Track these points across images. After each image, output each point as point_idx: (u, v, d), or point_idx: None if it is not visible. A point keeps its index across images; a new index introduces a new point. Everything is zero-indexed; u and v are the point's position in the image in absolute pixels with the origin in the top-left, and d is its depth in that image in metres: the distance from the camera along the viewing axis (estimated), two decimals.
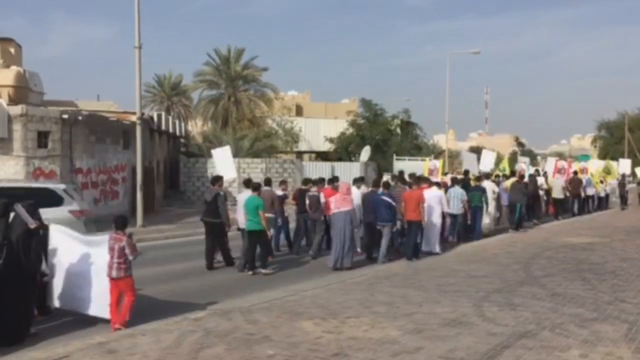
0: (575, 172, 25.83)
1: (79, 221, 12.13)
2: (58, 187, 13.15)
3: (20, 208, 7.90)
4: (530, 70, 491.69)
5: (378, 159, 36.60)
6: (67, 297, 8.44)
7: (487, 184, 17.45)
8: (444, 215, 14.32)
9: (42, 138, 17.35)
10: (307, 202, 13.98)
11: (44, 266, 8.21)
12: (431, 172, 23.92)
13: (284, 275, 11.67)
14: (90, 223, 12.77)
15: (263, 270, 11.76)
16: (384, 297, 8.93)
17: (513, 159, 40.90)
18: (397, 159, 33.79)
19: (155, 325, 7.61)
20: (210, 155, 30.57)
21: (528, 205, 19.37)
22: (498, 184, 18.61)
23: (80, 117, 18.54)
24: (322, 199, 13.63)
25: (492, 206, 17.43)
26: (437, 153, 47.86)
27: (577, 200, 24.27)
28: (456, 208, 15.27)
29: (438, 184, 15.19)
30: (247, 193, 12.42)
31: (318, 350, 6.35)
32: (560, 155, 61.05)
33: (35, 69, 22.66)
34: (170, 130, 28.65)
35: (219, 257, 12.65)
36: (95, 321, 8.18)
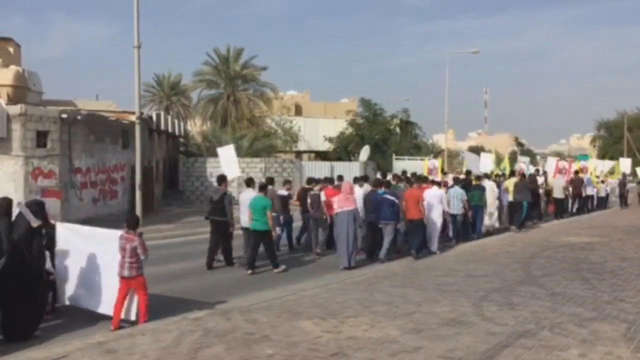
0: (577, 172, 25.88)
1: None
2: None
3: (23, 207, 7.93)
4: (529, 70, 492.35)
5: (377, 159, 36.63)
6: (77, 295, 8.54)
7: (488, 184, 17.49)
8: (444, 215, 14.35)
9: (41, 138, 17.33)
10: (309, 201, 14.05)
11: (48, 265, 8.26)
12: (430, 171, 23.98)
13: (284, 274, 11.67)
14: None
15: (275, 270, 11.78)
16: (383, 297, 8.93)
17: (512, 159, 40.92)
18: (396, 159, 33.82)
19: (155, 324, 7.62)
20: (209, 155, 30.72)
21: (530, 204, 19.40)
22: (499, 183, 18.63)
23: (79, 117, 18.52)
24: (323, 198, 13.67)
25: (493, 206, 17.48)
26: (437, 153, 47.88)
27: (578, 200, 24.31)
28: (456, 208, 15.30)
29: (439, 184, 15.25)
30: (249, 192, 12.48)
31: (317, 349, 6.35)
32: (560, 155, 61.12)
33: (35, 69, 22.65)
34: (170, 129, 28.62)
35: (218, 257, 12.67)
36: (94, 321, 8.19)
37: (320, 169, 29.98)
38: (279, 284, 10.54)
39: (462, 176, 19.62)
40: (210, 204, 12.93)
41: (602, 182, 28.44)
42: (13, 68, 20.86)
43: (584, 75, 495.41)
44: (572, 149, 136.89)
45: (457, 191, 15.53)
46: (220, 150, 18.11)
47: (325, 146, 42.94)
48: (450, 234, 15.46)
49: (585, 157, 34.53)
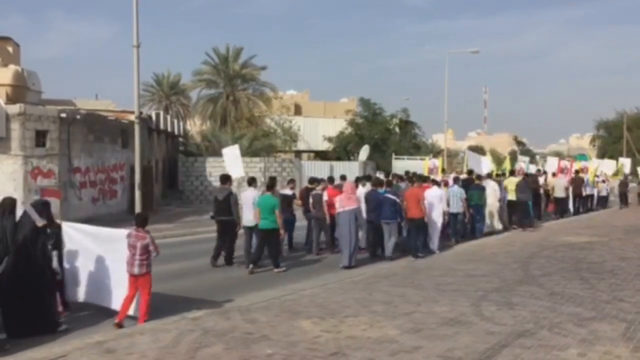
0: (577, 172, 25.93)
1: None
2: None
3: (29, 207, 7.99)
4: (529, 70, 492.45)
5: (377, 159, 36.62)
6: (90, 292, 8.64)
7: (490, 184, 17.55)
8: (444, 214, 14.40)
9: (40, 137, 17.32)
10: (311, 200, 14.09)
11: (55, 264, 8.31)
12: (431, 170, 24.06)
13: (283, 274, 11.66)
14: None
15: (275, 270, 11.80)
16: (383, 297, 8.93)
17: (512, 159, 40.90)
18: (395, 158, 33.82)
19: (154, 324, 7.61)
20: (208, 154, 30.74)
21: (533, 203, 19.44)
22: (499, 183, 18.67)
23: (78, 116, 18.52)
24: (325, 197, 13.71)
25: (495, 206, 17.52)
26: (436, 152, 47.85)
27: (578, 200, 24.35)
28: (456, 207, 15.34)
29: (438, 183, 15.28)
30: (251, 191, 12.51)
31: (316, 349, 6.35)
32: (559, 155, 61.06)
33: (34, 68, 22.65)
34: (169, 129, 28.62)
35: (220, 259, 12.66)
36: (94, 320, 8.20)
37: (319, 169, 29.98)
38: (278, 284, 10.54)
39: (462, 175, 19.65)
40: (215, 203, 12.89)
41: (603, 181, 28.44)
42: (12, 67, 20.86)
43: (583, 75, 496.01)
44: (572, 148, 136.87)
45: (457, 190, 15.58)
46: (225, 150, 18.15)
47: (325, 146, 42.93)
48: (450, 233, 15.48)
49: (583, 157, 34.54)
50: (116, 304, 8.23)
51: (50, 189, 16.99)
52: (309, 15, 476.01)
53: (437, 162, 26.50)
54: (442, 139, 53.84)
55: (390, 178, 15.68)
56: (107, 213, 19.64)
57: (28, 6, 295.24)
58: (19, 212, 8.10)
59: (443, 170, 25.18)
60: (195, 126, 49.18)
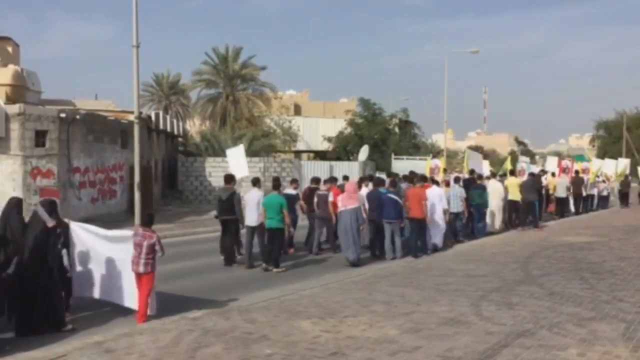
0: (577, 172, 25.95)
1: None
2: None
3: (39, 208, 8.02)
4: (528, 70, 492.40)
5: (376, 159, 36.61)
6: (104, 289, 8.74)
7: (494, 184, 17.60)
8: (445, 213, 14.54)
9: (39, 137, 17.30)
10: (315, 200, 14.18)
11: (65, 262, 8.41)
12: (433, 171, 24.10)
13: (283, 274, 11.67)
14: None
15: (275, 269, 11.86)
16: (382, 297, 8.93)
17: (513, 159, 40.86)
18: (395, 159, 33.83)
19: (153, 324, 7.62)
20: (208, 154, 30.73)
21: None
22: (502, 183, 18.76)
23: (78, 116, 18.50)
24: (331, 198, 13.80)
25: (497, 206, 17.57)
26: (436, 152, 47.83)
27: (578, 200, 24.39)
28: (457, 206, 15.39)
29: (437, 183, 15.35)
30: (255, 191, 12.57)
31: (316, 349, 6.35)
32: (559, 155, 61.07)
33: (33, 68, 22.64)
34: (169, 129, 28.59)
35: (241, 251, 12.85)
36: (94, 320, 8.20)
37: (319, 169, 29.95)
38: (278, 284, 10.54)
39: (461, 175, 19.69)
40: (219, 203, 13.03)
41: (603, 181, 28.43)
42: (12, 67, 20.84)
43: (583, 75, 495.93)
44: (571, 149, 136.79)
45: (458, 190, 15.66)
46: (229, 151, 18.23)
47: (324, 146, 42.92)
48: (451, 232, 15.55)
49: (582, 157, 34.50)
50: (129, 302, 8.35)
51: (48, 189, 17.01)
52: (309, 15, 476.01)
53: (439, 162, 26.50)
54: (441, 139, 53.82)
55: (394, 178, 15.70)
56: (107, 213, 19.63)
57: (28, 6, 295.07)
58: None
59: (444, 171, 25.21)
60: (194, 126, 49.17)
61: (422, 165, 29.08)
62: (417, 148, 44.79)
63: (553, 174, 24.89)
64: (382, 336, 6.81)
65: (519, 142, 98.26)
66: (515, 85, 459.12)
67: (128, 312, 8.38)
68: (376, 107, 42.01)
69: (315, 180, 15.33)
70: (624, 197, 28.75)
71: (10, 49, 24.24)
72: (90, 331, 7.58)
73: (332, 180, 15.16)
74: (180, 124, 35.46)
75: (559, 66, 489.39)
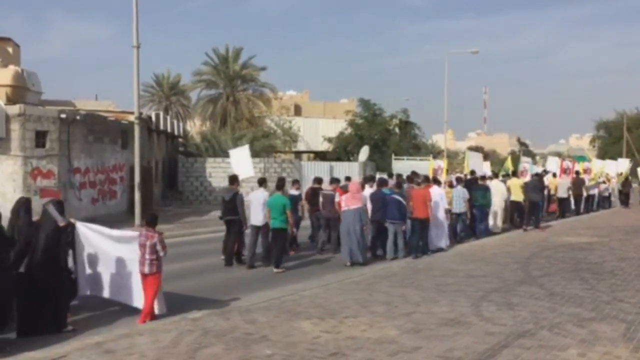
0: (577, 172, 25.96)
1: None
2: None
3: (51, 207, 8.04)
4: (529, 70, 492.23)
5: (377, 159, 36.60)
6: (113, 289, 8.79)
7: (497, 185, 17.62)
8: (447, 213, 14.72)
9: (40, 138, 17.31)
10: (321, 200, 14.25)
11: (70, 263, 8.44)
12: (436, 171, 24.17)
13: (283, 274, 11.67)
14: None
15: (275, 269, 11.92)
16: (383, 297, 8.93)
17: (513, 159, 40.82)
18: (395, 159, 33.79)
19: (153, 324, 7.63)
20: (208, 155, 30.72)
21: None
22: (504, 183, 18.81)
23: (78, 117, 18.50)
24: (337, 198, 13.86)
25: (500, 206, 17.61)
26: (436, 153, 47.82)
27: (579, 200, 24.41)
28: (459, 207, 15.44)
29: (439, 183, 15.43)
30: (261, 192, 12.63)
31: (316, 349, 6.35)
32: (559, 155, 61.07)
33: (34, 69, 22.65)
34: (169, 130, 28.59)
35: (243, 252, 12.88)
36: (93, 321, 8.20)
37: (319, 169, 29.93)
38: (278, 284, 10.54)
39: (462, 175, 19.73)
40: (222, 204, 13.07)
41: (604, 182, 28.42)
42: (12, 68, 20.83)
43: (583, 75, 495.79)
44: (571, 149, 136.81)
45: (460, 191, 15.73)
46: (232, 152, 18.27)
47: (325, 146, 42.91)
48: (454, 232, 15.63)
49: (583, 157, 34.44)
50: (138, 302, 8.39)
51: (49, 190, 17.01)
52: (309, 15, 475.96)
53: (442, 163, 26.55)
54: (442, 140, 53.80)
55: (399, 179, 15.75)
56: (107, 214, 19.63)
57: (28, 6, 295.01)
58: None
59: (447, 171, 25.30)
60: (195, 127, 49.19)
61: (422, 165, 29.10)
62: (417, 148, 44.75)
63: (554, 175, 24.92)
64: (382, 337, 6.81)
65: (522, 143, 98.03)
66: (515, 86, 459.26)
67: (130, 312, 8.40)
68: (376, 107, 42.04)
69: (318, 180, 15.42)
70: (624, 197, 28.75)
71: (10, 49, 24.24)
72: (90, 332, 7.59)
73: (335, 180, 15.26)
74: (181, 124, 35.46)
75: (559, 66, 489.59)
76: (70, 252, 8.47)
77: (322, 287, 9.95)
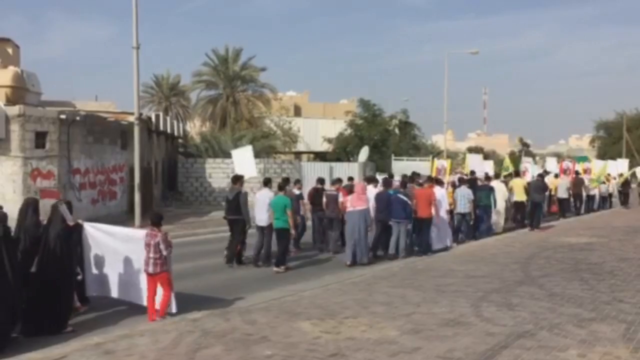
0: (577, 172, 25.98)
1: None
2: None
3: (63, 206, 8.09)
4: (528, 70, 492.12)
5: (376, 160, 36.59)
6: (121, 289, 8.84)
7: (498, 185, 17.68)
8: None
9: (39, 138, 17.29)
10: (325, 200, 14.33)
11: (77, 266, 8.45)
12: (439, 171, 24.20)
13: (282, 275, 11.67)
14: None
15: (275, 268, 11.98)
16: (382, 298, 8.93)
17: (513, 160, 40.81)
18: (395, 159, 33.77)
19: (153, 325, 7.63)
20: (208, 156, 30.72)
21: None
22: (506, 184, 18.84)
23: (78, 118, 18.49)
24: (340, 198, 13.92)
25: (502, 206, 17.66)
26: (436, 153, 47.85)
27: (578, 200, 24.45)
28: (464, 207, 15.48)
29: (441, 183, 15.51)
30: (266, 191, 12.68)
31: (316, 350, 6.35)
32: (559, 156, 61.02)
33: (33, 69, 22.68)
34: (169, 130, 28.58)
35: (243, 253, 12.92)
36: (92, 321, 8.19)
37: (319, 170, 29.92)
38: (278, 285, 10.54)
39: (462, 175, 19.77)
40: (226, 203, 13.17)
41: (604, 182, 28.43)
42: (12, 69, 20.84)
43: (582, 76, 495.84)
44: (571, 149, 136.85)
45: (465, 191, 15.75)
46: (234, 152, 18.31)
47: (325, 147, 42.92)
48: (458, 232, 15.76)
49: (584, 158, 34.45)
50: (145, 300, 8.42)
51: (49, 190, 17.00)
52: (309, 16, 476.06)
53: (446, 163, 26.56)
54: (441, 140, 53.83)
55: (404, 180, 15.82)
56: (107, 214, 19.61)
57: (28, 6, 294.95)
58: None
59: (450, 172, 25.30)
60: (194, 127, 49.15)
61: (422, 166, 29.09)
62: (417, 149, 44.75)
63: (556, 175, 24.97)
64: (382, 337, 6.81)
65: (524, 143, 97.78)
66: (515, 86, 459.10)
67: (135, 313, 8.42)
68: (376, 108, 42.00)
69: (321, 180, 15.55)
70: (624, 197, 28.76)
71: (10, 50, 24.26)
72: (94, 332, 7.58)
73: (338, 181, 15.35)
74: (180, 125, 35.44)
75: (559, 67, 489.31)
76: (77, 251, 8.55)
77: (322, 287, 9.95)
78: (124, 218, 19.38)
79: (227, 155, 30.23)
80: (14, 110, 17.04)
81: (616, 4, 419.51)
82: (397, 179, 15.85)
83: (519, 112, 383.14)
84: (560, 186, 22.98)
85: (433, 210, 13.64)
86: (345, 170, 28.79)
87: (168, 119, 30.39)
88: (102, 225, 9.47)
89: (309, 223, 15.18)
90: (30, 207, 8.33)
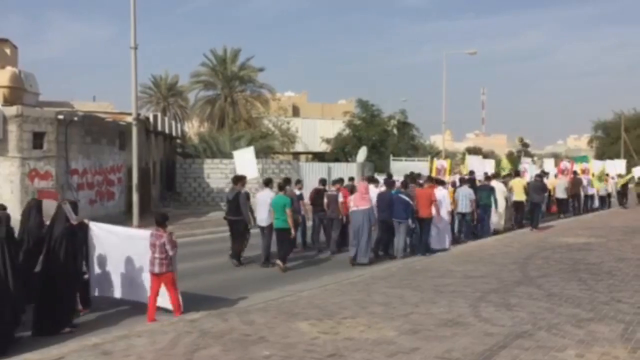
0: (575, 173, 26.01)
1: None
2: None
3: (67, 206, 8.11)
4: (527, 71, 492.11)
5: (375, 160, 36.60)
6: (125, 289, 8.86)
7: (496, 184, 17.72)
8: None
9: (37, 139, 17.27)
10: (326, 201, 14.39)
11: (83, 265, 8.50)
12: (439, 171, 24.23)
13: (282, 275, 11.66)
14: None
15: (278, 261, 12.07)
16: (381, 298, 8.92)
17: (511, 160, 40.82)
18: (393, 160, 33.79)
19: (151, 326, 7.61)
20: (206, 156, 30.69)
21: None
22: (506, 183, 18.88)
23: (76, 118, 18.47)
24: (341, 199, 13.99)
25: (501, 205, 17.69)
26: (435, 153, 47.87)
27: (577, 200, 24.50)
28: (465, 207, 15.50)
29: (443, 183, 15.54)
30: (267, 192, 12.73)
31: (314, 350, 6.34)
32: (557, 156, 61.08)
33: (31, 70, 22.61)
34: (167, 131, 28.56)
35: (244, 253, 12.96)
36: (93, 322, 8.18)
37: (317, 170, 29.93)
38: (276, 285, 10.53)
39: (462, 175, 19.82)
40: (227, 204, 13.25)
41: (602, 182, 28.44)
42: (9, 69, 20.82)
43: (581, 76, 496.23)
44: (569, 150, 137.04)
45: (466, 191, 15.81)
46: (235, 153, 18.35)
47: (323, 147, 42.91)
48: (458, 232, 15.80)
49: (584, 158, 34.51)
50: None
51: (47, 191, 16.97)
52: (307, 16, 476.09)
53: (445, 163, 26.59)
54: (440, 140, 53.88)
55: (406, 180, 15.84)
56: (105, 215, 19.58)
57: (26, 6, 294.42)
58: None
59: (450, 171, 25.33)
60: (193, 128, 49.09)
61: (420, 166, 29.11)
62: (415, 149, 44.76)
63: (555, 176, 25.03)
64: (380, 337, 6.80)
65: (524, 144, 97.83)
66: (513, 86, 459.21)
67: (132, 314, 8.44)
68: (374, 108, 41.99)
69: (323, 181, 15.66)
70: (622, 198, 28.80)
71: (8, 50, 24.23)
72: (89, 333, 7.58)
73: (339, 181, 15.38)
74: (179, 125, 35.44)
75: (557, 67, 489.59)
76: (83, 252, 8.59)
77: (320, 288, 9.94)
78: (121, 218, 19.36)
79: (225, 155, 30.26)
80: (12, 110, 17.02)
81: (614, 4, 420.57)
82: (397, 179, 15.86)
83: (517, 113, 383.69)
84: (558, 186, 23.07)
85: (434, 210, 13.67)
86: (343, 170, 28.77)
87: (166, 119, 30.36)
88: (107, 225, 9.51)
89: (309, 223, 15.21)
90: (33, 208, 8.43)
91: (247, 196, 13.00)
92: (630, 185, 30.76)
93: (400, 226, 13.24)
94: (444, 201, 14.48)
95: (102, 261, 9.00)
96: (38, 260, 7.90)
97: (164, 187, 28.79)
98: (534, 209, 18.61)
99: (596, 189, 26.78)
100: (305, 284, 10.45)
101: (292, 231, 12.28)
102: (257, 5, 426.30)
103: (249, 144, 32.75)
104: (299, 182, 15.74)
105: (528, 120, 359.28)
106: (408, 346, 6.46)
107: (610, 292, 9.22)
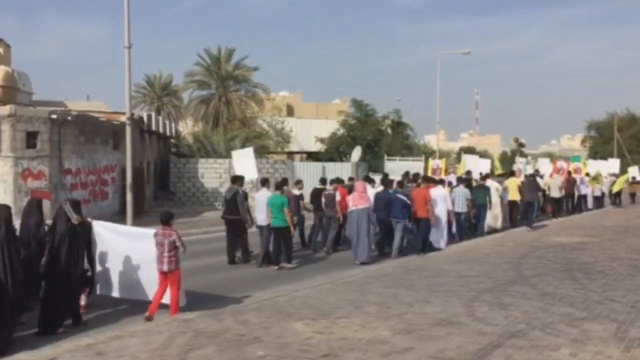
0: (569, 172, 26.12)
1: None
2: None
3: (68, 206, 8.11)
4: (521, 71, 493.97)
5: (369, 160, 36.64)
6: (125, 288, 8.88)
7: (491, 184, 17.79)
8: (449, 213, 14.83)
9: (30, 138, 17.20)
10: (323, 200, 14.42)
11: (86, 262, 8.53)
12: (434, 171, 24.29)
13: (276, 275, 11.65)
14: None
15: (287, 265, 12.14)
16: (375, 298, 8.93)
17: (504, 159, 40.96)
18: (388, 159, 33.84)
19: (145, 326, 7.59)
20: (200, 156, 30.65)
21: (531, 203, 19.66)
22: (501, 183, 18.96)
23: (69, 117, 18.41)
24: (338, 198, 14.03)
25: (497, 206, 17.75)
26: (429, 153, 47.95)
27: (571, 199, 24.59)
28: (461, 207, 15.57)
29: (441, 182, 15.57)
30: (264, 191, 12.79)
31: (308, 350, 6.33)
32: (551, 156, 61.26)
33: (25, 69, 22.58)
34: (161, 130, 28.50)
35: (239, 253, 12.97)
36: (92, 322, 8.16)
37: (312, 170, 29.95)
38: (271, 285, 10.52)
39: (455, 175, 19.90)
40: (225, 203, 13.24)
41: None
42: (2, 68, 20.76)
43: (574, 76, 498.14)
44: (563, 149, 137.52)
45: (463, 191, 15.87)
46: (234, 153, 18.35)
47: (317, 147, 42.92)
48: (454, 231, 15.77)
49: (578, 158, 34.67)
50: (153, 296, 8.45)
51: (40, 191, 16.88)
52: (301, 16, 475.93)
53: (441, 163, 26.64)
54: (434, 140, 53.97)
55: (402, 179, 15.86)
56: (99, 214, 19.47)
57: (20, 6, 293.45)
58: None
59: (445, 171, 25.40)
60: (187, 127, 49.00)
61: (414, 166, 29.16)
62: (409, 149, 44.87)
63: (550, 175, 25.13)
64: (374, 337, 6.80)
65: (519, 144, 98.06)
66: (507, 87, 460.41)
67: (130, 313, 8.43)
68: (369, 108, 42.09)
69: (322, 181, 15.73)
70: (615, 197, 28.91)
71: (1, 50, 24.15)
72: (83, 333, 7.55)
73: (338, 180, 15.39)
74: (173, 125, 35.34)
75: (551, 67, 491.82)
76: (86, 251, 8.57)
77: (315, 287, 9.94)
78: (116, 218, 19.27)
79: (220, 155, 30.24)
80: (5, 110, 16.95)
81: (607, 6, 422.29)
82: (394, 178, 15.86)
83: (511, 113, 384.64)
84: (553, 185, 23.13)
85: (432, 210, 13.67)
86: (338, 170, 28.78)
87: (160, 119, 30.28)
88: (111, 224, 9.51)
89: (310, 223, 15.24)
90: (33, 207, 8.41)
91: (245, 196, 13.04)
92: (624, 185, 30.89)
93: (398, 226, 13.27)
94: (445, 200, 14.48)
95: (102, 260, 9.00)
96: (39, 261, 7.87)
97: (158, 187, 28.72)
98: (527, 208, 18.70)
99: (591, 189, 26.87)
100: (300, 284, 10.44)
101: (292, 229, 12.29)
102: (252, 5, 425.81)
103: (243, 144, 32.78)
104: (299, 182, 15.67)
105: (522, 120, 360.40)
106: (402, 346, 6.46)
107: (603, 291, 9.25)
